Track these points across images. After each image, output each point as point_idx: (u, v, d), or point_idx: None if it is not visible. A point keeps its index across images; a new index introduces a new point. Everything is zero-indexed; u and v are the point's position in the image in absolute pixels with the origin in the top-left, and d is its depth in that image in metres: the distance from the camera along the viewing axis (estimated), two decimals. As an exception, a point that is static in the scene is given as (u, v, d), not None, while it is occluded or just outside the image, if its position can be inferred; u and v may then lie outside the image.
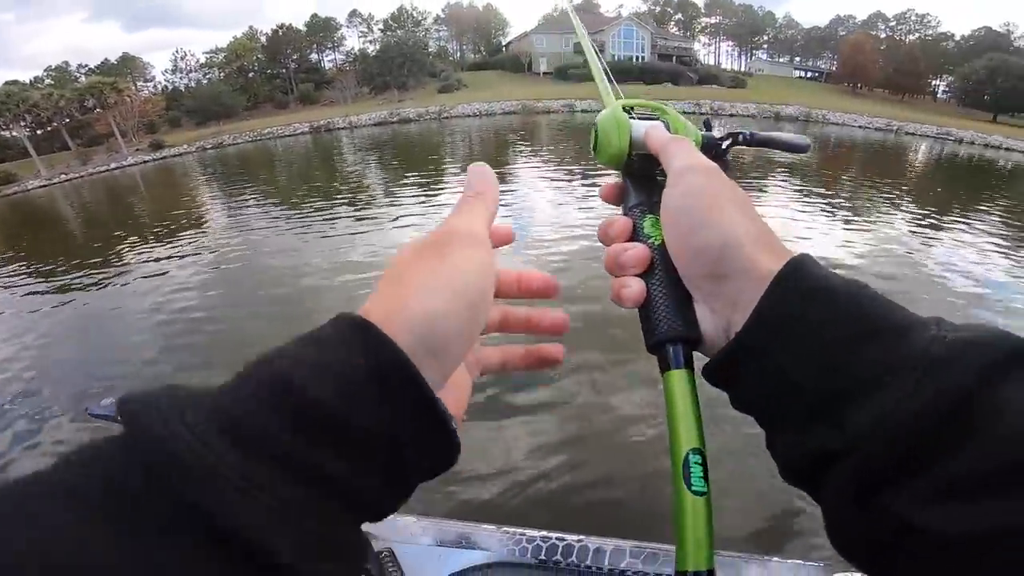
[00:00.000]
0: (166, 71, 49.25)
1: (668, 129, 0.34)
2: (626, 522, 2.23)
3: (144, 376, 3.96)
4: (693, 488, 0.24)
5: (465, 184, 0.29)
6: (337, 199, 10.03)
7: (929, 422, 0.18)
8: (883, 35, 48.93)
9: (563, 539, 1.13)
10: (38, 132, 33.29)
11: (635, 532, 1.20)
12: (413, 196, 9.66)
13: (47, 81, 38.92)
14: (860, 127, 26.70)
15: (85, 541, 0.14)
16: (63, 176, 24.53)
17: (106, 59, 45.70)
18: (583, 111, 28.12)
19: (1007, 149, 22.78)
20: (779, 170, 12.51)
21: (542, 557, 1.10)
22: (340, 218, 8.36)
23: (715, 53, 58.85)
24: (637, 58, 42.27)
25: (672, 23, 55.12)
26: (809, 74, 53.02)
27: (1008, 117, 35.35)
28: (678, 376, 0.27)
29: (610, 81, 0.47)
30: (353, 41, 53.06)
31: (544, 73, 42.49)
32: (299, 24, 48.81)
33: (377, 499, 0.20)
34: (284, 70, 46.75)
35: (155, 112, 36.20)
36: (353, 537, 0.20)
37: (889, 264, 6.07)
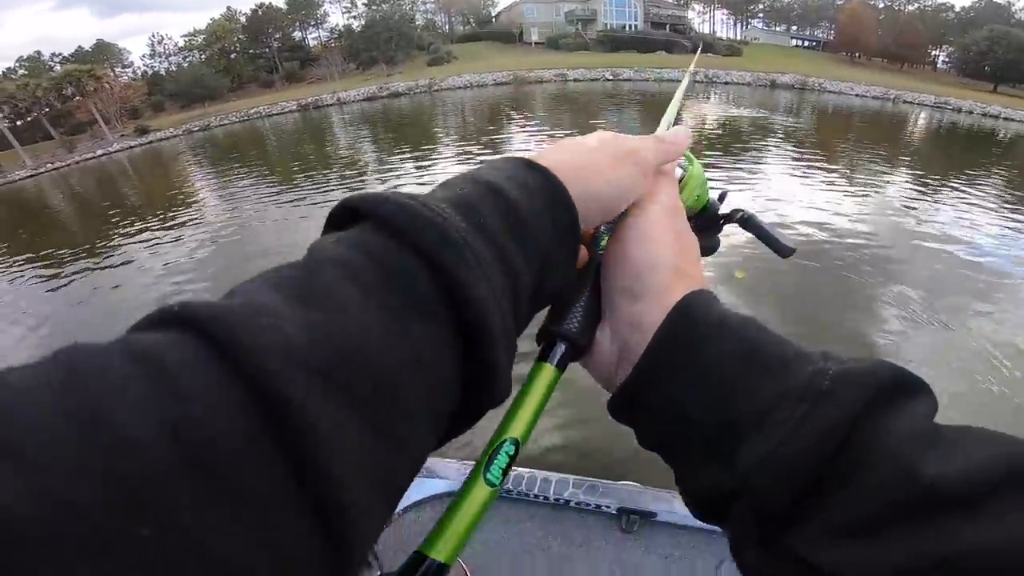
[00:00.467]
0: (144, 56, 48.03)
1: (681, 176, 0.36)
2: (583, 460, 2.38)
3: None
4: (488, 476, 0.24)
5: (667, 132, 0.34)
6: (330, 174, 9.87)
7: (816, 459, 0.19)
8: (881, 5, 47.86)
9: (515, 470, 1.19)
10: (17, 123, 32.52)
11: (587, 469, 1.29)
12: (407, 170, 9.50)
13: (20, 71, 37.82)
14: (857, 95, 26.36)
15: (366, 317, 0.16)
16: (49, 165, 24.07)
17: (80, 47, 44.18)
18: (575, 80, 27.67)
19: (1006, 119, 22.79)
20: (775, 137, 12.38)
21: (496, 485, 1.16)
22: (334, 191, 8.27)
23: (710, 22, 57.53)
24: (630, 27, 41.36)
25: (666, -9, 53.68)
26: (806, 43, 51.99)
27: (1009, 87, 34.91)
28: (548, 371, 0.27)
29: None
30: (337, 17, 51.74)
31: (536, 43, 41.63)
32: (279, 2, 47.49)
33: (522, 312, 0.22)
34: (267, 49, 45.52)
35: (137, 97, 35.41)
36: (516, 341, 0.22)
37: (885, 225, 6.07)
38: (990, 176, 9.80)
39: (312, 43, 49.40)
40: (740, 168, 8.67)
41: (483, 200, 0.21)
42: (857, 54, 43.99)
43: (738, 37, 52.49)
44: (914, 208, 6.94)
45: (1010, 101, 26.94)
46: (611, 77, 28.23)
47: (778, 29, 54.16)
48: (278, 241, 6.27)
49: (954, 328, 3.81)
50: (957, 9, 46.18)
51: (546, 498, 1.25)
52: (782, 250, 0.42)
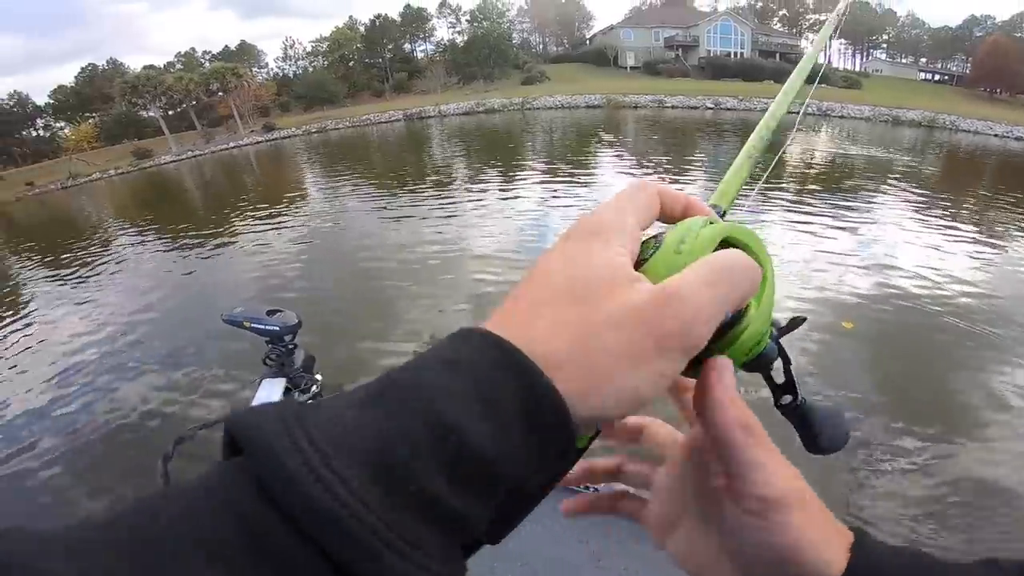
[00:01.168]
0: (277, 58, 53.91)
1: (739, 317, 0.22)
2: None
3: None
4: None
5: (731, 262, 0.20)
6: (425, 183, 10.59)
7: None
8: None
9: None
10: (169, 112, 37.70)
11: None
12: (496, 183, 9.92)
13: (177, 66, 43.90)
14: (997, 136, 23.38)
15: None
16: (190, 153, 27.81)
17: (226, 46, 50.74)
18: (672, 107, 27.12)
19: None
20: (894, 177, 11.34)
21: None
22: (426, 199, 8.87)
23: (826, 51, 53.90)
24: (736, 54, 39.89)
25: (776, 19, 51.27)
26: (936, 77, 47.11)
27: None
28: None
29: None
30: (443, 32, 54.83)
31: (631, 68, 41.35)
32: (394, 14, 51.41)
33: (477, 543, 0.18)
34: (381, 59, 49.36)
35: (268, 97, 39.78)
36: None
37: (1019, 285, 5.44)
38: None
39: (420, 56, 52.89)
40: (850, 211, 8.10)
41: (424, 449, 0.15)
42: (998, 90, 39.02)
43: (858, 68, 48.76)
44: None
45: None
46: (712, 105, 27.26)
47: (905, 61, 49.65)
48: (371, 240, 6.87)
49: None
50: None
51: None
52: (820, 447, 0.28)
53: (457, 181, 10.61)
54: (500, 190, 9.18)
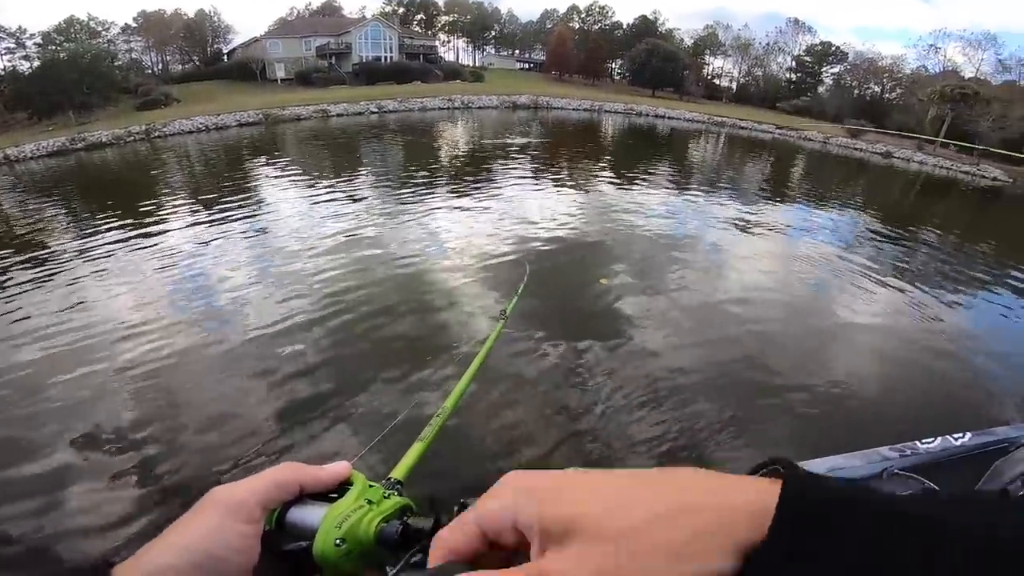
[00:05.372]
0: None
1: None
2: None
3: None
4: None
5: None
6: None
7: None
8: (577, 26, 58.72)
9: None
10: None
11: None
12: (119, 238, 7.64)
13: None
14: (573, 109, 32.56)
15: None
16: None
17: None
18: (338, 115, 27.04)
19: (668, 118, 31.66)
20: (514, 152, 14.57)
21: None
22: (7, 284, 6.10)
23: (454, 50, 62.87)
24: (386, 58, 42.32)
25: (415, 23, 56.55)
26: (529, 66, 60.95)
27: (661, 92, 47.05)
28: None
29: None
30: (-8, 59, 39.24)
31: (282, 80, 39.12)
32: None
33: None
34: None
35: None
36: None
37: (602, 211, 8.12)
38: (660, 163, 13.89)
39: (-50, 92, 36.38)
40: (485, 189, 9.91)
41: None
42: (564, 73, 52.95)
43: (477, 63, 58.73)
44: (626, 195, 9.52)
45: (665, 103, 37.45)
46: (376, 109, 28.41)
47: (504, 54, 62.38)
48: None
49: (661, 276, 5.53)
50: (624, 26, 57.46)
51: None
52: None
53: (58, 248, 7.68)
54: (132, 248, 7.21)
